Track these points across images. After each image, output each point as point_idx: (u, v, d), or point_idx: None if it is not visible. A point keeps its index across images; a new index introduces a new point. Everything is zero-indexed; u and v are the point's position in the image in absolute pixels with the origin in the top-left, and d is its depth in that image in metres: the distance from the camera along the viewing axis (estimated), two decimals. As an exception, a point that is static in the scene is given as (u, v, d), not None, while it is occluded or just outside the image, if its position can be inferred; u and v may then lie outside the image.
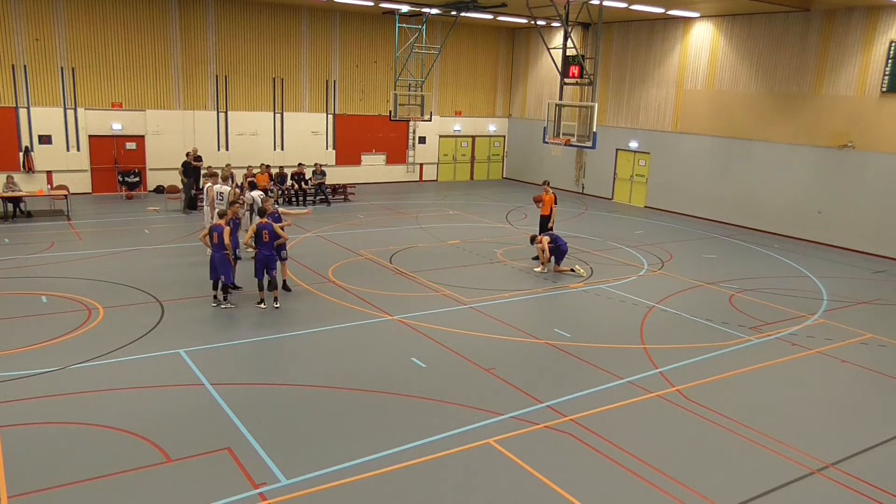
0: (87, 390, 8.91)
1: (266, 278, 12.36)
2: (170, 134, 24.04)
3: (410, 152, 29.79)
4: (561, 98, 19.21)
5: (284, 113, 26.26)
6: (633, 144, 26.00)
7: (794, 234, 21.00)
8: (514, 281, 14.94)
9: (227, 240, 12.09)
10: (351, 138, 27.92)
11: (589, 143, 17.77)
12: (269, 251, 12.23)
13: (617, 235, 20.15)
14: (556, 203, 16.99)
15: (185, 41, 23.83)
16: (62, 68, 22.15)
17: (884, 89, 18.62)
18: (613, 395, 9.40)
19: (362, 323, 11.89)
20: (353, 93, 27.60)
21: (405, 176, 29.87)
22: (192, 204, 21.34)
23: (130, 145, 23.59)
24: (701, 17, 23.13)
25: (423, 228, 20.05)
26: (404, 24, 25.84)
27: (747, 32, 21.91)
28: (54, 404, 8.51)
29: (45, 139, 22.22)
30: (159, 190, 23.85)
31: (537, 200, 17.08)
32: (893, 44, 18.40)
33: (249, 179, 19.37)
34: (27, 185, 21.22)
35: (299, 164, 23.44)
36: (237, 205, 13.87)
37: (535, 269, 15.75)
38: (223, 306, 12.37)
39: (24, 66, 21.60)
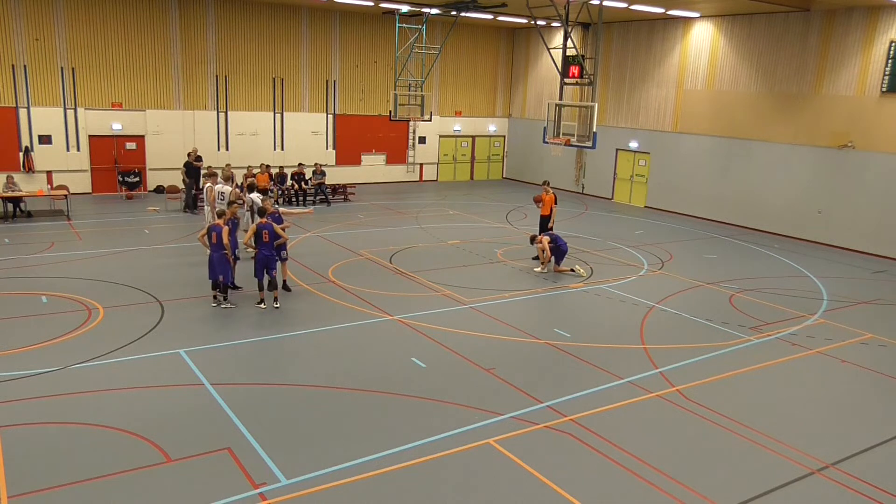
0: (87, 390, 8.91)
1: (266, 278, 12.36)
2: (170, 134, 24.04)
3: (410, 152, 29.79)
4: (561, 98, 19.21)
5: (284, 113, 26.26)
6: (633, 144, 26.00)
7: (794, 234, 21.00)
8: (514, 281, 14.94)
9: (225, 239, 12.09)
10: (351, 138, 27.92)
11: (589, 143, 17.77)
12: (269, 251, 12.23)
13: (617, 235, 20.15)
14: (556, 203, 16.99)
15: (185, 41, 23.83)
16: (62, 68, 22.15)
17: (884, 89, 18.62)
18: (613, 395, 9.40)
19: (362, 323, 11.89)
20: (353, 93, 27.60)
21: (405, 176, 29.87)
22: (192, 204, 21.34)
23: (130, 145, 23.59)
24: (701, 17, 23.14)
25: (423, 228, 20.05)
26: (404, 24, 25.84)
27: (747, 32, 21.91)
28: (54, 404, 8.51)
29: (45, 139, 22.22)
30: (159, 190, 23.86)
31: (537, 200, 17.08)
32: (893, 44, 18.40)
33: (249, 182, 19.36)
34: (27, 185, 21.23)
35: (299, 164, 23.44)
36: (235, 205, 13.87)
37: (535, 269, 15.75)
38: (223, 306, 12.37)
39: (24, 66, 21.61)
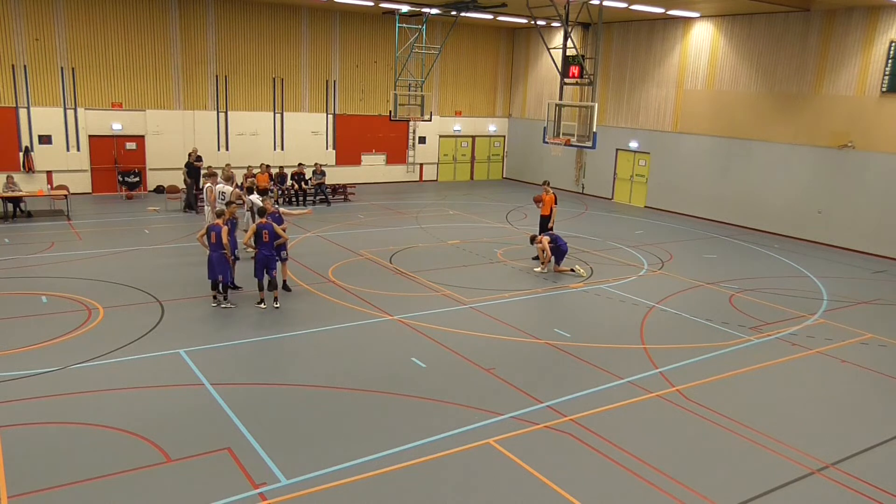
0: (87, 390, 8.91)
1: (266, 278, 12.36)
2: (170, 134, 24.04)
3: (410, 152, 29.79)
4: (561, 98, 19.21)
5: (284, 113, 26.26)
6: (633, 144, 26.00)
7: (794, 234, 21.00)
8: (514, 281, 14.94)
9: (224, 239, 12.09)
10: (351, 138, 27.92)
11: (589, 143, 17.77)
12: (269, 251, 12.23)
13: (617, 235, 20.15)
14: (556, 203, 16.98)
15: (185, 41, 23.84)
16: (62, 68, 22.15)
17: (884, 89, 18.62)
18: (613, 395, 9.40)
19: (362, 323, 11.89)
20: (353, 93, 27.60)
21: (405, 176, 29.87)
22: (192, 204, 21.34)
23: (130, 145, 23.60)
24: (701, 17, 23.14)
25: (423, 228, 20.05)
26: (404, 24, 25.84)
27: (747, 32, 21.91)
28: (54, 404, 8.51)
29: (45, 139, 22.22)
30: (159, 190, 23.86)
31: (537, 200, 17.08)
32: (893, 44, 18.40)
33: (249, 182, 19.34)
34: (27, 185, 21.23)
35: (299, 164, 23.44)
36: (234, 205, 13.86)
37: (535, 269, 15.75)
38: (223, 306, 12.37)
39: (24, 66, 21.61)
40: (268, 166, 22.15)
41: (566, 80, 18.95)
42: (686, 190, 24.16)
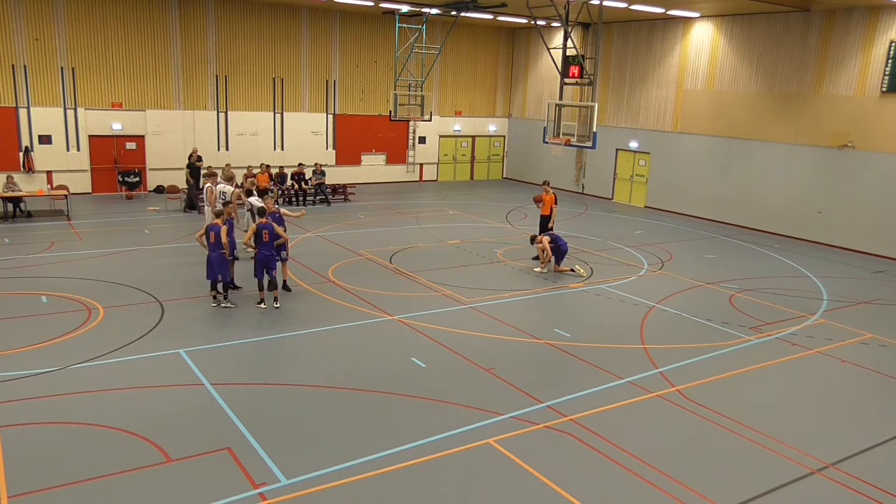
0: (87, 390, 8.91)
1: (266, 278, 12.36)
2: (170, 134, 24.04)
3: (410, 152, 29.79)
4: (561, 98, 19.21)
5: (284, 113, 26.26)
6: (633, 144, 26.00)
7: (794, 234, 21.00)
8: (514, 281, 14.94)
9: (224, 239, 12.09)
10: (351, 138, 27.92)
11: (589, 143, 17.77)
12: (269, 251, 12.23)
13: (617, 235, 20.15)
14: (556, 203, 16.98)
15: (185, 41, 23.84)
16: (62, 68, 22.15)
17: (884, 89, 18.62)
18: (613, 395, 9.40)
19: (362, 323, 11.89)
20: (353, 93, 27.60)
21: (405, 176, 29.87)
22: (193, 204, 21.34)
23: (130, 145, 23.60)
24: (701, 17, 23.14)
25: (423, 228, 20.05)
26: (404, 24, 25.84)
27: (747, 32, 21.91)
28: (54, 404, 8.51)
29: (45, 139, 22.22)
30: (159, 190, 23.86)
31: (537, 200, 17.08)
32: (893, 44, 18.40)
33: (248, 182, 19.33)
34: (27, 185, 21.23)
35: (299, 164, 23.44)
36: (231, 205, 13.85)
37: (535, 269, 15.75)
38: (223, 305, 12.37)
39: (24, 66, 21.61)
40: (268, 166, 22.15)
41: (566, 80, 18.95)
42: (686, 190, 24.16)
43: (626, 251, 18.16)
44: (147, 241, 17.17)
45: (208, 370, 9.64)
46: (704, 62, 23.33)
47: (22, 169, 21.80)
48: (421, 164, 30.25)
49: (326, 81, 26.91)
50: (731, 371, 10.47)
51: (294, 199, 22.96)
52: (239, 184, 18.24)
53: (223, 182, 15.92)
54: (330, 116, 27.27)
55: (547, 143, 18.89)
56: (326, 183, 23.83)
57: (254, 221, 13.52)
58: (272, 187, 21.66)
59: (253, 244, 12.54)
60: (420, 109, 25.90)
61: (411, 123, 28.80)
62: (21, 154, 21.87)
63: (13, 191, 19.28)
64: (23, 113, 21.83)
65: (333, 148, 27.60)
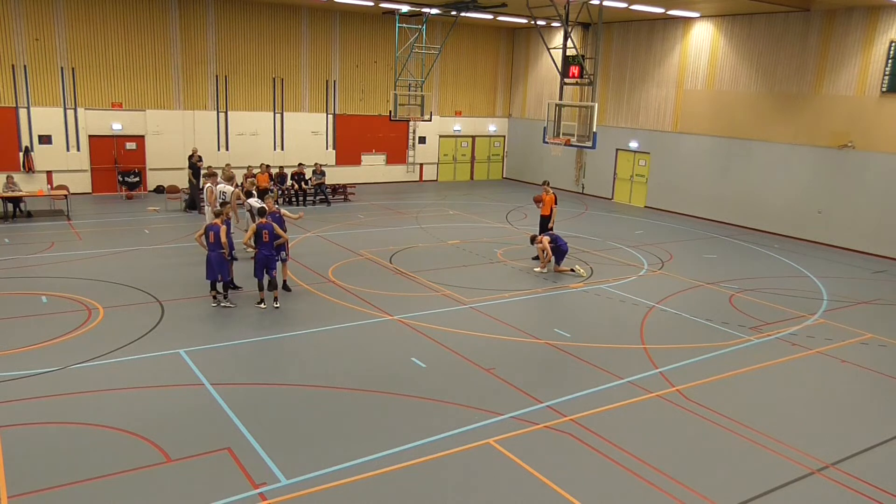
0: (87, 390, 8.91)
1: (266, 278, 12.36)
2: (170, 134, 24.04)
3: (410, 152, 29.79)
4: (561, 98, 19.21)
5: (284, 113, 26.26)
6: (633, 144, 26.00)
7: (794, 234, 21.00)
8: (514, 281, 14.94)
9: (223, 238, 12.09)
10: (351, 138, 27.92)
11: (589, 143, 17.77)
12: (269, 251, 12.23)
13: (617, 235, 20.15)
14: (556, 203, 16.98)
15: (185, 41, 23.84)
16: (62, 68, 22.15)
17: (884, 89, 18.62)
18: (613, 395, 9.40)
19: (362, 323, 11.89)
20: (353, 93, 27.60)
21: (405, 176, 29.87)
22: (193, 204, 21.34)
23: (130, 145, 23.60)
24: (701, 17, 23.14)
25: (423, 228, 20.05)
26: (404, 24, 25.84)
27: (747, 32, 21.91)
28: (54, 404, 8.51)
29: (45, 139, 22.22)
30: (159, 190, 23.86)
31: (537, 200, 17.08)
32: (893, 44, 18.40)
33: (248, 185, 19.30)
34: (27, 185, 21.23)
35: (299, 164, 23.44)
36: (228, 205, 13.84)
37: (535, 269, 15.75)
38: (223, 305, 12.37)
39: (24, 66, 21.61)
40: (268, 166, 22.14)
41: (566, 80, 18.95)
42: (686, 190, 24.16)
43: (626, 251, 18.16)
44: (147, 241, 17.17)
45: (208, 370, 9.64)
46: (704, 62, 23.33)
47: (22, 169, 21.80)
48: (421, 164, 30.25)
49: (326, 81, 26.91)
50: (731, 371, 10.47)
51: (294, 199, 22.96)
52: (239, 184, 18.24)
53: (223, 182, 15.92)
54: (330, 116, 27.27)
55: (547, 143, 18.89)
56: (326, 183, 23.83)
57: (253, 222, 13.53)
58: (272, 187, 21.65)
59: (253, 244, 12.54)
60: (420, 109, 25.90)
61: (411, 123, 28.80)
62: (21, 154, 21.87)
63: (13, 191, 19.28)
64: (23, 113, 21.83)
65: (333, 148, 27.61)
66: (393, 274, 15.06)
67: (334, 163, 27.41)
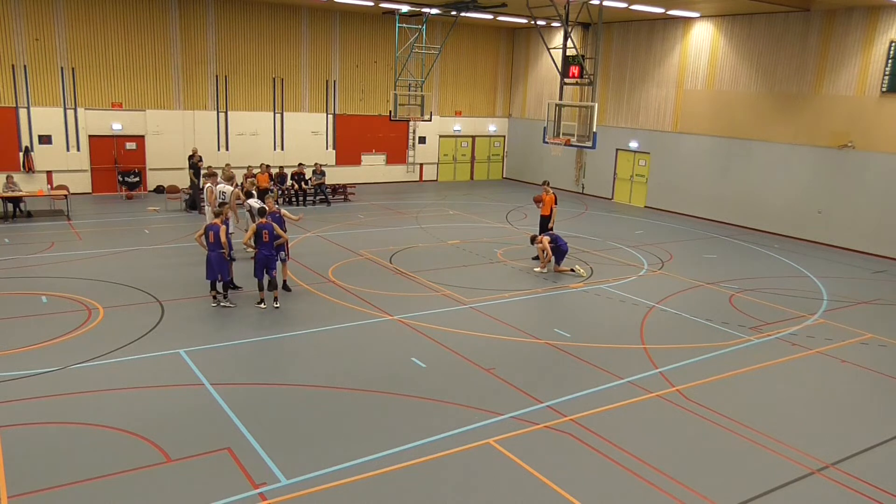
0: (87, 390, 8.91)
1: (266, 278, 12.36)
2: (170, 134, 24.04)
3: (410, 152, 29.79)
4: (561, 98, 19.21)
5: (284, 113, 26.26)
6: (633, 144, 26.00)
7: (794, 234, 21.00)
8: (514, 281, 14.94)
9: (223, 238, 12.08)
10: (351, 138, 27.92)
11: (589, 143, 17.77)
12: (269, 251, 12.23)
13: (617, 235, 20.15)
14: (556, 203, 16.98)
15: (185, 41, 23.84)
16: (62, 68, 22.15)
17: (884, 89, 18.62)
18: (613, 395, 9.40)
19: (362, 323, 11.89)
20: (353, 93, 27.60)
21: (405, 176, 29.87)
22: (193, 204, 21.35)
23: (130, 145, 23.60)
24: (701, 17, 23.14)
25: (423, 228, 20.05)
26: (404, 24, 25.84)
27: (747, 32, 21.91)
28: (54, 404, 8.51)
29: (45, 139, 22.22)
30: (159, 190, 23.86)
31: (537, 200, 17.08)
32: (893, 44, 18.40)
33: (248, 185, 19.31)
34: (27, 185, 21.23)
35: (299, 164, 23.44)
36: (227, 205, 13.84)
37: (535, 269, 15.75)
38: (223, 304, 12.37)
39: (24, 66, 21.61)
40: (268, 166, 22.14)
41: (566, 80, 18.95)
42: (686, 190, 24.16)
43: (626, 251, 18.16)
44: (147, 241, 17.17)
45: (208, 370, 9.64)
46: (704, 62, 23.33)
47: (22, 169, 21.80)
48: (421, 164, 30.25)
49: (326, 81, 26.91)
50: (731, 371, 10.47)
51: (294, 199, 22.96)
52: (239, 184, 18.24)
53: (223, 182, 15.93)
54: (330, 116, 27.27)
55: (547, 143, 18.89)
56: (326, 183, 23.83)
57: (253, 222, 13.53)
58: (272, 187, 21.65)
59: (253, 244, 12.54)
60: (420, 109, 25.89)
61: (411, 123, 28.80)
62: (21, 154, 21.87)
63: (13, 191, 19.28)
64: (23, 113, 21.83)
65: (333, 148, 27.61)
66: (393, 274, 15.06)
67: (334, 163, 27.41)
